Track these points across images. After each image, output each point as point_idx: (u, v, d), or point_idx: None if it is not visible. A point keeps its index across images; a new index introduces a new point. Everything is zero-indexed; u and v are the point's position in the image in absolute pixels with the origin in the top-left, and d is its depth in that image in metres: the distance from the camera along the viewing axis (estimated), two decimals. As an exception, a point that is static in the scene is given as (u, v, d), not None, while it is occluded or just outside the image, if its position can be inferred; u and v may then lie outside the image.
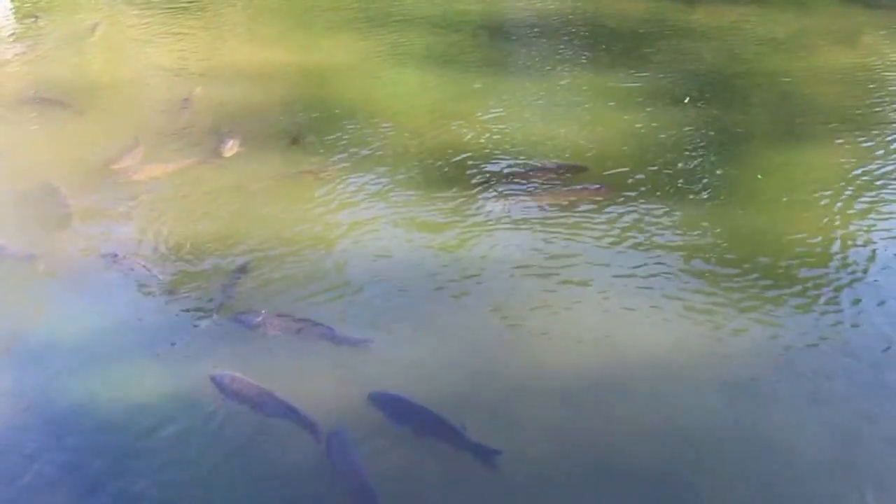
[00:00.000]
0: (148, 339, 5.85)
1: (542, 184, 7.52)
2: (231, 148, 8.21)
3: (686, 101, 9.08)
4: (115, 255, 6.73)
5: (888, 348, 5.47)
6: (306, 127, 8.26)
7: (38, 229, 7.31)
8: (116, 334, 5.92)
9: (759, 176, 7.54)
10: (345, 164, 8.01)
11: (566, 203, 7.20)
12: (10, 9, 12.91)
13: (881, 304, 5.88)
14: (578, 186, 7.41)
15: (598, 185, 7.41)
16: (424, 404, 5.10)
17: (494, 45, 11.25)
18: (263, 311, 5.94)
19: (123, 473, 4.82)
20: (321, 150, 8.30)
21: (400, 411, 5.14)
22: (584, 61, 10.56)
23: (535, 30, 11.64)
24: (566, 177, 7.59)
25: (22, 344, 5.87)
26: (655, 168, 7.76)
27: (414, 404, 5.13)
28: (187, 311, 6.14)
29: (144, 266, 6.57)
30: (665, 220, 6.92)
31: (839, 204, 7.04)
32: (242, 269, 6.51)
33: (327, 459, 4.87)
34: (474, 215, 7.10)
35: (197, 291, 6.34)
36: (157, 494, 4.70)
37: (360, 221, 7.11)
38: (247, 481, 4.78)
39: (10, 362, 5.72)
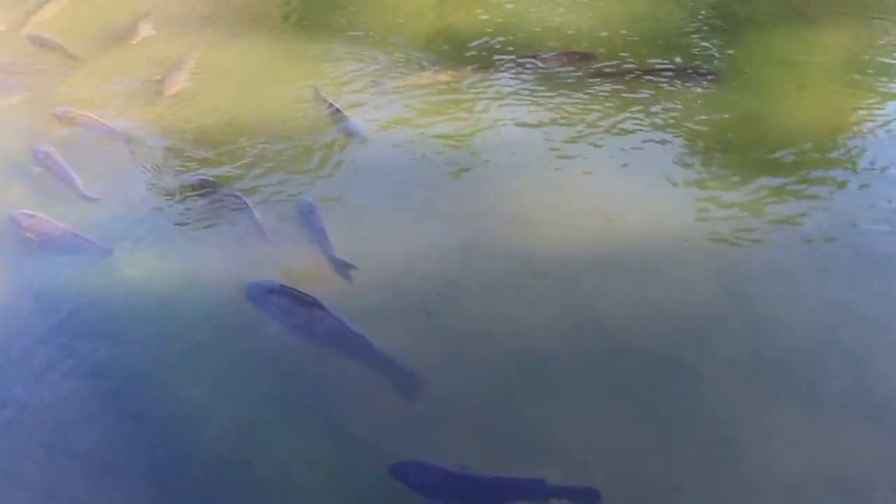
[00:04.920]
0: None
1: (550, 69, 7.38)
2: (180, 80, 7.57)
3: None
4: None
5: (886, 229, 5.45)
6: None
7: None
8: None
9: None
10: (346, 47, 7.93)
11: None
12: None
13: (880, 184, 5.84)
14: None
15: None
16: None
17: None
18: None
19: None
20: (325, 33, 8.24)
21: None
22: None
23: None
24: (573, 63, 7.43)
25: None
26: (659, 52, 7.61)
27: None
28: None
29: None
30: (668, 103, 6.84)
31: (842, 88, 6.97)
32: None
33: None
34: (475, 98, 7.03)
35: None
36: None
37: (357, 102, 7.07)
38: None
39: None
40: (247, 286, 5.11)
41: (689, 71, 7.22)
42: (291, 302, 4.96)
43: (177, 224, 5.88)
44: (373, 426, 4.39)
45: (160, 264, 5.47)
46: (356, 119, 6.74)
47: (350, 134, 6.59)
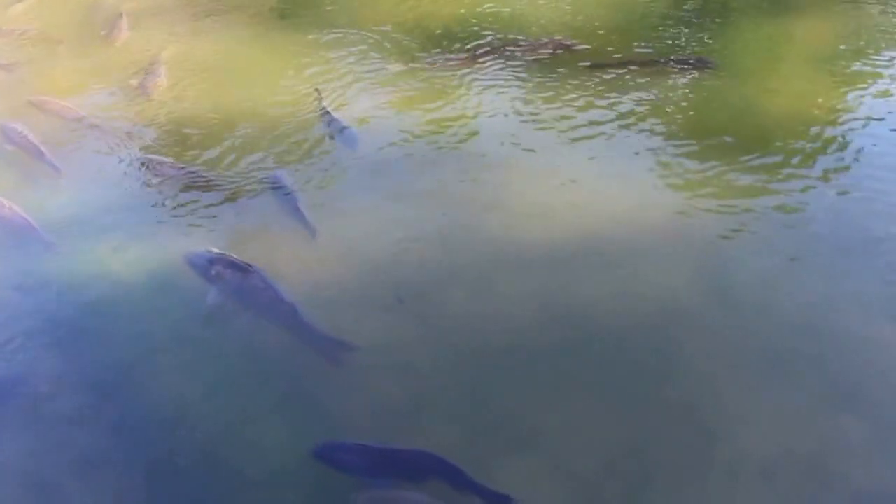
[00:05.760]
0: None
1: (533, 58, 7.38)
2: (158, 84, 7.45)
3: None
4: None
5: (856, 214, 5.40)
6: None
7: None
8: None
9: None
10: (329, 37, 7.93)
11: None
12: None
13: (854, 172, 5.81)
14: None
15: None
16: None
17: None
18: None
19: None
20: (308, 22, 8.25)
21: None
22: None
23: None
24: (558, 52, 7.43)
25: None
26: (640, 39, 7.64)
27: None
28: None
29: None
30: (653, 94, 6.80)
31: (827, 75, 6.96)
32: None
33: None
34: (458, 89, 7.01)
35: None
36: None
37: (341, 90, 7.06)
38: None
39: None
40: (188, 255, 5.19)
41: (678, 61, 7.19)
42: (229, 269, 5.07)
43: (148, 207, 5.84)
44: (349, 414, 4.31)
45: (129, 247, 5.42)
46: (340, 111, 6.72)
47: (338, 130, 6.52)
